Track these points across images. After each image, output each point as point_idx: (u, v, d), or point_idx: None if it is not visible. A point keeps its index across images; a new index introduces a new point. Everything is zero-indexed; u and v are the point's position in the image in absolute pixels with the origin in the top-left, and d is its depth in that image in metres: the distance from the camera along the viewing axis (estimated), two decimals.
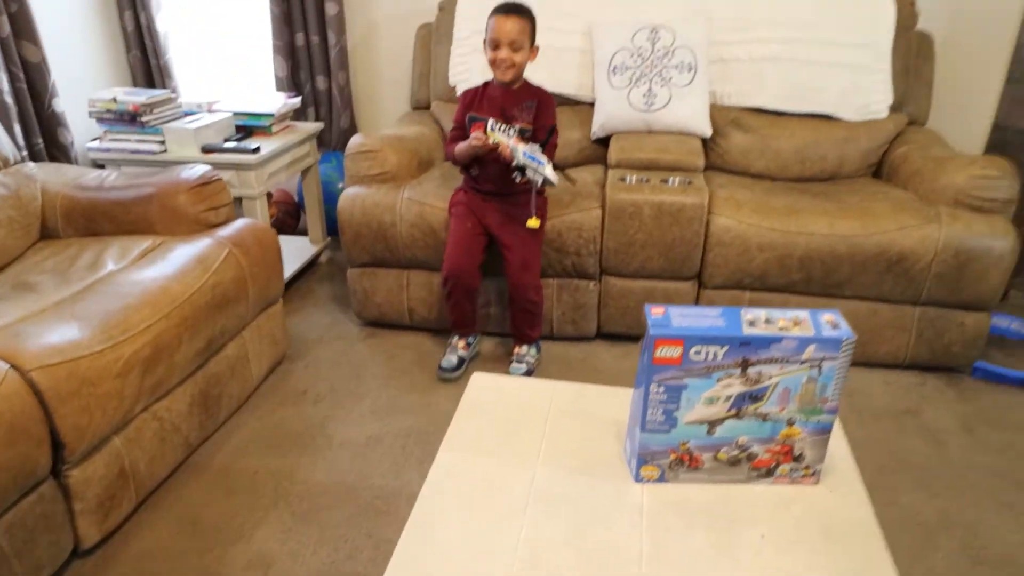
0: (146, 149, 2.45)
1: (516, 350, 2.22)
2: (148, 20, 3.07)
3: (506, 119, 2.07)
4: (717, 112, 2.57)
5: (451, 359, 2.19)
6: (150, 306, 1.63)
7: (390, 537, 1.57)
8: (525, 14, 2.01)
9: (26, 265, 1.87)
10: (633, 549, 1.00)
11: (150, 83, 3.26)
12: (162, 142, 2.46)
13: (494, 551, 0.99)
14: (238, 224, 2.07)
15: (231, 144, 2.48)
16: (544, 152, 1.98)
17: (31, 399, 1.33)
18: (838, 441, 1.21)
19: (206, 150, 2.44)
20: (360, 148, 2.35)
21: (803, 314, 1.06)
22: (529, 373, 2.18)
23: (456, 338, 2.25)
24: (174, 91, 3.21)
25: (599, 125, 2.58)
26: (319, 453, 1.85)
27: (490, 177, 2.12)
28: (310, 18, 3.02)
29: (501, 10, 2.00)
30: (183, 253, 1.85)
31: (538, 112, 2.09)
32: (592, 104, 2.63)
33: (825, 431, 1.09)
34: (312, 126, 2.87)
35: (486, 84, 2.17)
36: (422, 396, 2.10)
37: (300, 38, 3.08)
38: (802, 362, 1.03)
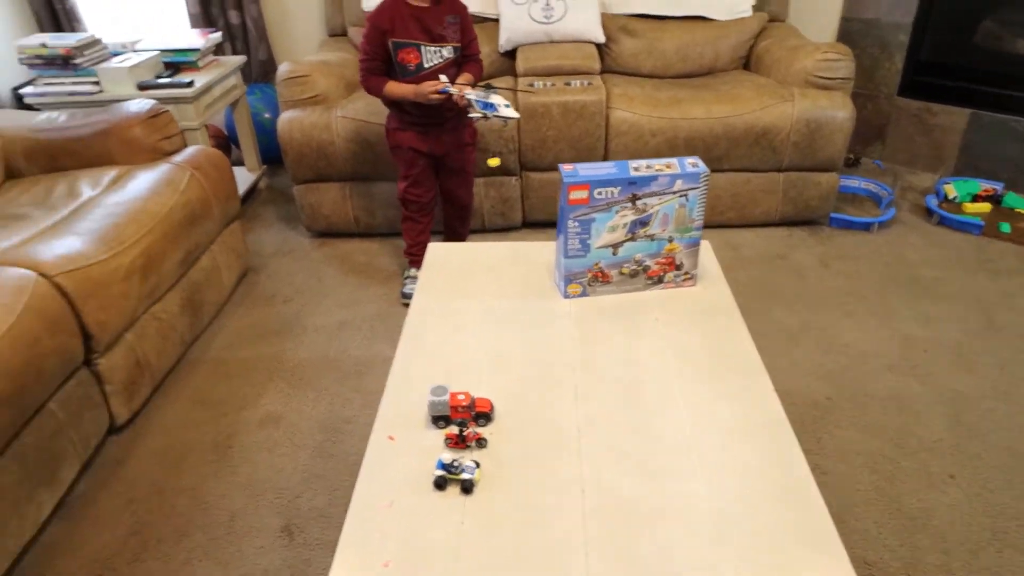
0: (82, 91, 2.57)
1: None
2: None
3: (433, 39, 2.06)
4: (608, 20, 2.90)
5: (412, 287, 2.23)
6: (136, 223, 1.87)
7: (375, 388, 1.92)
8: None
9: (2, 202, 2.04)
10: (567, 338, 1.38)
11: (56, 27, 3.29)
12: (97, 82, 2.59)
13: (468, 350, 1.35)
14: (191, 151, 2.28)
15: (165, 80, 2.63)
16: (476, 67, 2.13)
17: (61, 299, 1.57)
18: (709, 258, 1.62)
19: (142, 87, 2.59)
20: (291, 74, 2.56)
21: (673, 160, 1.44)
22: None
23: (415, 269, 2.37)
24: (84, 33, 3.26)
25: (505, 39, 2.86)
26: (298, 339, 2.16)
27: (429, 111, 2.12)
28: None
29: None
30: (150, 178, 2.07)
31: (463, 27, 2.11)
32: (496, 20, 2.91)
33: (695, 244, 1.49)
34: (236, 59, 3.02)
35: (396, 1, 2.05)
36: (380, 288, 2.42)
37: None
38: (674, 193, 1.42)
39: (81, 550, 1.49)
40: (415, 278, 2.37)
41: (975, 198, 2.85)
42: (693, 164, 1.43)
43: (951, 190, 2.87)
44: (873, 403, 1.88)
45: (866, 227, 2.73)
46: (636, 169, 1.41)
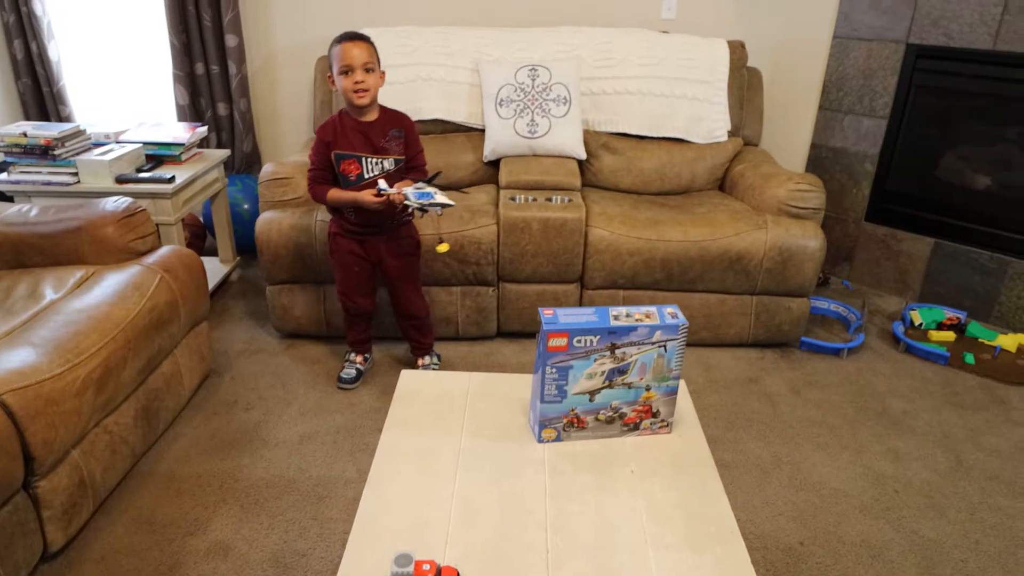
0: (59, 181, 2.54)
1: (419, 362, 2.49)
2: (40, 49, 3.12)
3: (376, 151, 2.15)
4: (590, 137, 2.99)
5: (350, 372, 2.40)
6: (97, 331, 1.80)
7: (333, 516, 1.83)
8: (368, 40, 2.08)
9: None
10: (539, 489, 1.33)
11: (42, 110, 3.29)
12: (75, 173, 2.56)
13: (436, 500, 1.29)
14: (164, 251, 2.23)
15: (145, 174, 2.61)
16: (420, 176, 2.17)
17: (5, 419, 1.48)
18: (685, 401, 1.60)
19: (120, 180, 2.56)
20: (273, 176, 2.56)
21: (652, 309, 1.44)
22: None
23: (354, 354, 2.47)
24: (68, 119, 3.26)
25: (490, 150, 2.92)
26: (257, 453, 2.07)
27: (368, 219, 2.19)
28: (210, 49, 3.18)
29: (345, 38, 2.06)
30: (118, 280, 2.01)
31: (407, 141, 2.19)
32: (482, 130, 2.98)
33: (673, 393, 1.47)
34: (220, 153, 3.02)
35: (341, 116, 2.17)
36: (347, 396, 2.35)
37: (200, 67, 3.22)
38: (652, 343, 1.41)
39: None
40: (354, 363, 2.46)
41: (940, 326, 2.91)
42: (672, 315, 1.43)
43: (917, 316, 2.93)
44: (846, 549, 1.83)
45: (836, 352, 2.76)
46: (616, 318, 1.40)
